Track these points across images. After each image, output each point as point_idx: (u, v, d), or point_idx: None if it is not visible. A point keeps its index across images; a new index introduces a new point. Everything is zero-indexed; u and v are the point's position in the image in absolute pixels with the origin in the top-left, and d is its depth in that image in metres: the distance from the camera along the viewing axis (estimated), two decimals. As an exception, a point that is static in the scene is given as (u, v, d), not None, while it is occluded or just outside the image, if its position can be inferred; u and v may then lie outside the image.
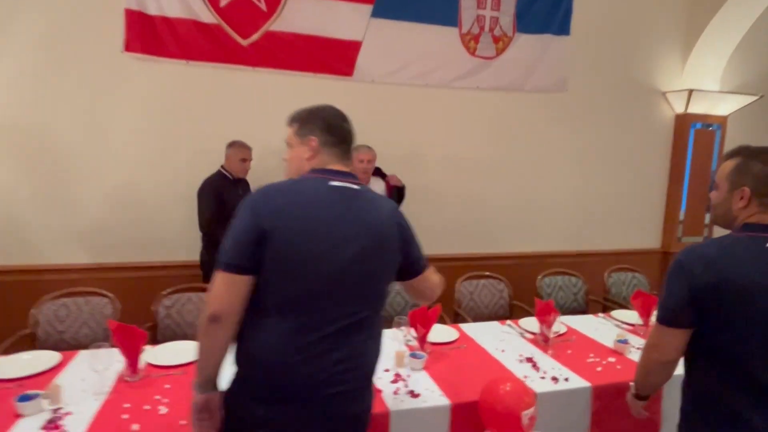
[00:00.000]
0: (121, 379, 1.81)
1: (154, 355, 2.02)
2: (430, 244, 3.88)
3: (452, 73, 3.85)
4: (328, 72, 3.57)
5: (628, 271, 3.61)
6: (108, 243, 3.34)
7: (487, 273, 3.26)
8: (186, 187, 3.37)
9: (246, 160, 3.18)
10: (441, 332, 2.40)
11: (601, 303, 3.41)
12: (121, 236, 3.36)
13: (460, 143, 3.98)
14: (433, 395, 1.81)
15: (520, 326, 2.55)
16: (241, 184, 3.23)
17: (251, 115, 3.46)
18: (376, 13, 3.58)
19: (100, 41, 3.10)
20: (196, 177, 3.37)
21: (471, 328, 2.52)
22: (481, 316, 3.11)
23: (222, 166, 3.18)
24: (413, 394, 1.80)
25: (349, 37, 3.56)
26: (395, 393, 1.81)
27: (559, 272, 3.43)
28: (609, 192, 4.43)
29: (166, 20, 3.19)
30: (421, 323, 2.13)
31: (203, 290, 2.69)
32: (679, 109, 4.44)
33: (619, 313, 2.80)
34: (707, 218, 4.57)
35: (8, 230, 3.14)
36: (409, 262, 1.46)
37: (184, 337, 2.52)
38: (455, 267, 3.35)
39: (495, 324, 2.61)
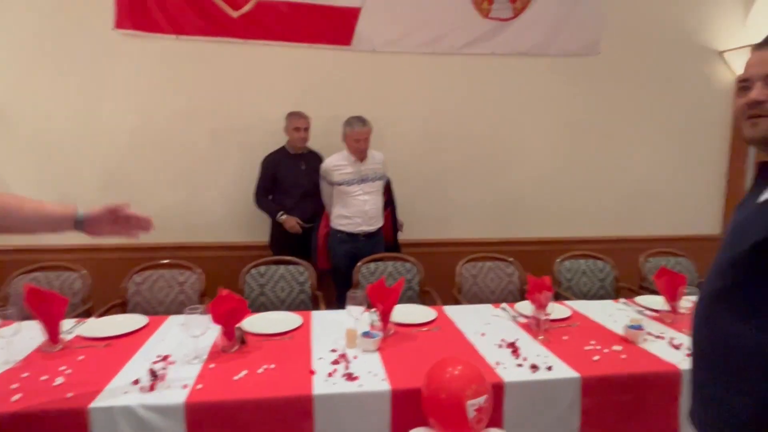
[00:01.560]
0: (38, 350, 1.67)
1: (90, 327, 1.88)
2: (441, 227, 3.64)
3: (463, 38, 3.49)
4: (324, 42, 3.34)
5: (670, 255, 3.08)
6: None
7: (494, 254, 2.88)
8: (179, 165, 3.31)
9: (299, 129, 3.07)
10: (416, 313, 2.09)
11: (634, 291, 2.91)
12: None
13: (475, 117, 3.60)
14: (374, 380, 1.51)
15: (515, 309, 2.17)
16: (305, 158, 3.14)
17: (244, 89, 3.31)
18: (375, -24, 3.31)
19: (91, 19, 3.08)
20: (189, 154, 3.31)
21: (455, 311, 2.18)
22: (486, 302, 2.73)
23: (287, 142, 3.19)
24: (350, 377, 1.51)
25: (347, 3, 3.32)
26: (329, 375, 1.53)
27: (583, 255, 2.98)
28: (654, 170, 3.86)
29: (155, -6, 3.12)
30: (380, 299, 1.83)
31: (175, 267, 2.55)
32: (741, 70, 3.77)
33: (644, 299, 2.33)
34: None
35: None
36: None
37: (155, 314, 2.39)
38: (463, 252, 3.00)
39: (487, 307, 2.25)
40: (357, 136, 2.84)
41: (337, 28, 3.34)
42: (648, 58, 3.73)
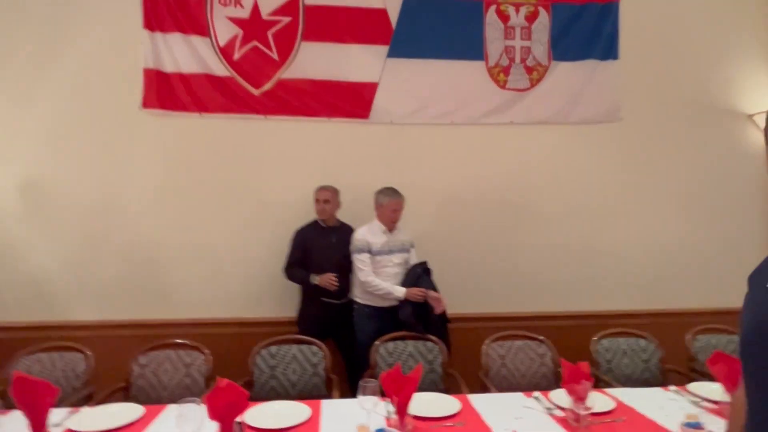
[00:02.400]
0: (21, 446, 1.52)
1: (82, 418, 1.73)
2: (461, 301, 3.42)
3: (481, 109, 3.50)
4: (343, 116, 3.39)
5: (722, 333, 2.80)
6: (123, 300, 3.25)
7: (524, 332, 2.66)
8: (202, 239, 3.27)
9: (319, 201, 3.06)
10: (438, 403, 1.87)
11: (684, 375, 2.61)
12: (136, 292, 3.26)
13: (496, 186, 3.51)
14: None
15: (549, 399, 1.93)
16: (336, 231, 3.11)
17: (264, 163, 3.34)
18: (392, 53, 3.40)
19: (120, 99, 3.21)
20: (212, 228, 3.28)
21: (481, 401, 1.95)
22: (516, 386, 2.48)
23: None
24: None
25: (364, 79, 3.40)
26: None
27: (622, 333, 2.72)
28: (689, 237, 3.63)
29: (181, 76, 3.25)
30: (396, 390, 1.64)
31: (182, 347, 2.43)
32: (774, 132, 3.63)
33: (698, 387, 2.06)
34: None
35: (27, 286, 3.17)
36: None
37: (158, 400, 2.24)
38: (490, 328, 2.80)
39: (517, 396, 2.01)
40: (394, 206, 2.87)
41: (355, 102, 3.39)
42: (672, 122, 3.63)
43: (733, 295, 3.58)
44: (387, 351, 2.52)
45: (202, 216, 3.29)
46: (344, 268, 3.00)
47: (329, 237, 3.07)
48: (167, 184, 3.26)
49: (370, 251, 2.83)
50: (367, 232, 2.88)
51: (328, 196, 3.07)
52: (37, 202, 3.19)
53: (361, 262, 2.83)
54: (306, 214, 3.18)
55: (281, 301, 3.24)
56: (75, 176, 3.21)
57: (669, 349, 2.74)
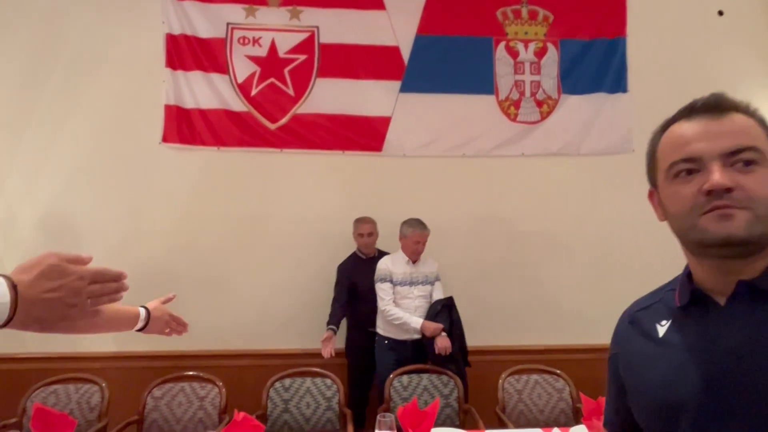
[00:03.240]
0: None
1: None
2: (480, 333, 3.38)
3: (492, 141, 3.55)
4: (357, 149, 3.46)
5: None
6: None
7: (540, 366, 2.61)
8: (219, 270, 3.30)
9: (362, 234, 3.10)
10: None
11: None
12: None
13: (509, 217, 3.52)
14: None
15: (570, 437, 1.88)
16: (376, 261, 3.09)
17: (281, 195, 3.40)
18: (404, 88, 3.50)
19: (140, 135, 3.32)
20: (229, 260, 3.32)
21: (499, 437, 1.91)
22: (534, 422, 2.42)
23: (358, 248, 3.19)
24: None
25: (378, 113, 3.48)
26: None
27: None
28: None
29: (200, 112, 3.37)
30: (413, 425, 1.61)
31: (196, 380, 2.42)
32: None
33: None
34: None
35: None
36: None
37: (171, 434, 2.23)
38: (507, 362, 2.77)
39: (536, 432, 1.97)
40: (418, 238, 2.87)
41: (369, 136, 3.47)
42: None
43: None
44: (402, 385, 2.49)
45: (219, 247, 3.34)
46: None
47: (372, 268, 3.03)
48: (185, 216, 3.32)
49: (391, 281, 2.84)
50: (390, 262, 2.90)
51: (371, 229, 3.13)
52: (57, 236, 3.25)
53: (382, 291, 2.84)
54: (321, 245, 3.21)
55: (297, 333, 3.23)
56: (96, 209, 3.29)
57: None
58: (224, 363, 3.03)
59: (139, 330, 1.13)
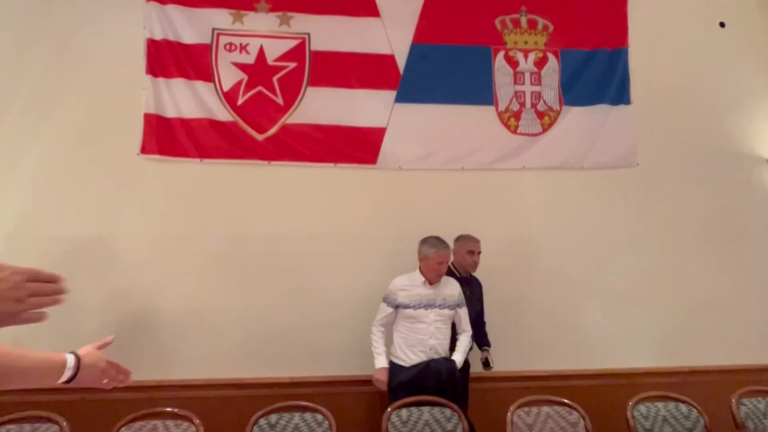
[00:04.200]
0: None
1: None
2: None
3: (491, 154, 3.39)
4: (350, 161, 3.27)
5: None
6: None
7: (552, 397, 2.40)
8: (200, 290, 3.04)
9: (474, 252, 2.87)
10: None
11: (733, 446, 2.34)
12: (126, 349, 2.99)
13: (510, 232, 3.33)
14: None
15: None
16: (472, 282, 2.92)
17: (268, 210, 3.17)
18: (400, 98, 3.33)
19: (118, 145, 3.09)
20: (210, 279, 3.07)
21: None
22: (548, 461, 2.20)
23: (451, 263, 2.85)
24: None
25: (372, 124, 3.30)
26: None
27: (660, 396, 2.46)
28: (717, 287, 3.41)
29: (182, 121, 3.15)
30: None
31: (170, 417, 2.16)
32: (796, 177, 3.52)
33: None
34: None
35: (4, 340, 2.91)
36: None
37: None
38: (514, 389, 2.56)
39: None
40: (442, 258, 2.61)
41: (362, 148, 3.28)
42: (691, 167, 3.51)
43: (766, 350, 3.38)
44: (400, 420, 2.26)
45: (200, 266, 3.09)
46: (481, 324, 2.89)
47: (464, 289, 2.79)
48: (165, 234, 3.08)
49: (396, 306, 2.60)
50: (404, 283, 2.64)
51: (480, 248, 2.90)
52: (26, 251, 2.97)
53: (379, 309, 2.65)
54: (312, 265, 2.99)
55: (283, 359, 2.98)
56: (68, 225, 3.02)
57: (708, 413, 2.47)
58: (203, 393, 2.77)
59: (66, 382, 0.90)
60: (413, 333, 2.56)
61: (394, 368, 2.57)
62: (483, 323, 2.96)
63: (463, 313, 2.69)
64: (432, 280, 2.63)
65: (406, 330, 2.58)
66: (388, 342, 2.68)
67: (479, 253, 2.87)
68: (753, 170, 3.57)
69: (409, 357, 2.53)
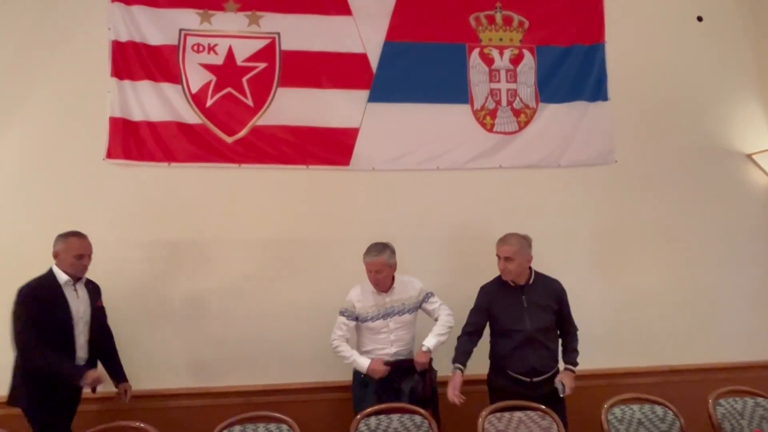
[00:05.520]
0: None
1: None
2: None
3: (467, 153, 3.33)
4: (322, 163, 3.20)
5: (746, 395, 2.49)
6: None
7: (523, 402, 2.34)
8: (168, 296, 2.97)
9: (498, 257, 2.60)
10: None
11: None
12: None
13: (486, 231, 3.24)
14: None
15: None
16: (528, 289, 2.59)
17: (239, 214, 3.10)
18: (373, 98, 3.26)
19: (82, 150, 3.00)
20: (179, 285, 2.99)
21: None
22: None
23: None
24: None
25: (344, 125, 3.23)
26: None
27: (636, 399, 2.41)
28: (696, 287, 3.38)
29: (149, 125, 3.07)
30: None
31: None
32: (775, 172, 3.48)
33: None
34: None
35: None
36: None
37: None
38: (478, 393, 2.50)
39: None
40: (370, 267, 2.52)
41: (335, 149, 3.21)
42: (670, 164, 3.47)
43: (752, 347, 3.34)
44: (368, 428, 2.19)
45: (169, 273, 3.01)
46: (537, 341, 2.53)
47: (517, 299, 2.55)
48: (132, 239, 2.99)
49: (356, 318, 2.53)
50: (358, 294, 2.57)
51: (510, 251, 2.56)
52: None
53: (337, 324, 2.56)
54: (284, 269, 2.93)
55: (255, 366, 2.91)
56: (32, 232, 2.90)
57: (686, 412, 2.42)
58: (164, 404, 2.69)
59: None
60: (374, 343, 2.52)
61: (358, 375, 2.51)
62: (558, 336, 2.63)
63: (433, 302, 2.63)
64: (377, 288, 2.53)
65: (368, 341, 2.54)
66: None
67: (505, 258, 2.52)
68: (732, 166, 3.53)
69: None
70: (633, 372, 3.15)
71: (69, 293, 2.45)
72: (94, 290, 2.60)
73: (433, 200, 3.26)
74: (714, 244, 3.44)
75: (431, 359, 2.55)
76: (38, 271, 2.78)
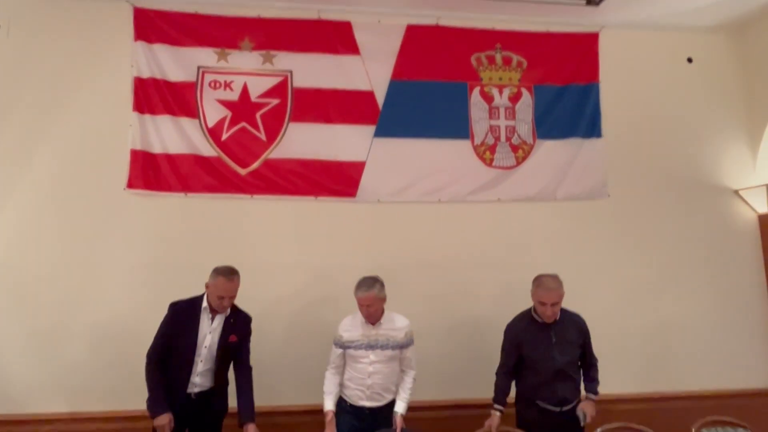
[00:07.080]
0: None
1: None
2: (457, 387, 3.24)
3: (468, 186, 3.50)
4: (330, 194, 3.38)
5: (728, 425, 2.63)
6: (96, 389, 3.06)
7: (510, 428, 2.49)
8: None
9: (544, 304, 2.57)
10: None
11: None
12: (110, 380, 3.07)
13: (485, 262, 3.44)
14: None
15: None
16: (556, 329, 2.62)
17: (250, 242, 3.27)
18: (379, 133, 3.45)
19: (104, 180, 3.20)
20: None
21: None
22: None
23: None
24: None
25: (352, 158, 3.42)
26: None
27: (624, 428, 2.55)
28: (685, 316, 3.54)
29: (167, 157, 3.27)
30: None
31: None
32: (762, 208, 3.65)
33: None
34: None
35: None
36: None
37: None
38: (471, 417, 2.70)
39: None
40: (361, 302, 2.58)
41: (342, 181, 3.40)
42: (660, 199, 3.65)
43: (735, 375, 3.48)
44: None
45: (183, 297, 3.16)
46: (568, 376, 2.63)
47: (549, 335, 2.59)
48: (149, 265, 3.17)
49: (342, 346, 2.64)
50: (348, 324, 2.67)
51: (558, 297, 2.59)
52: (13, 285, 3.07)
53: (331, 353, 2.69)
54: (293, 296, 3.08)
55: (278, 390, 3.06)
56: (55, 257, 3.12)
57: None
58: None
59: None
60: (354, 371, 2.61)
61: (341, 402, 2.64)
62: (581, 368, 2.70)
63: (410, 353, 2.67)
64: (367, 321, 2.62)
65: (349, 368, 2.64)
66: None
67: (553, 305, 2.53)
68: (720, 200, 3.70)
69: (352, 392, 2.61)
70: (623, 398, 3.29)
71: (203, 320, 2.54)
72: (236, 324, 2.61)
73: (435, 230, 3.43)
74: (701, 276, 3.60)
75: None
76: (67, 300, 2.97)
